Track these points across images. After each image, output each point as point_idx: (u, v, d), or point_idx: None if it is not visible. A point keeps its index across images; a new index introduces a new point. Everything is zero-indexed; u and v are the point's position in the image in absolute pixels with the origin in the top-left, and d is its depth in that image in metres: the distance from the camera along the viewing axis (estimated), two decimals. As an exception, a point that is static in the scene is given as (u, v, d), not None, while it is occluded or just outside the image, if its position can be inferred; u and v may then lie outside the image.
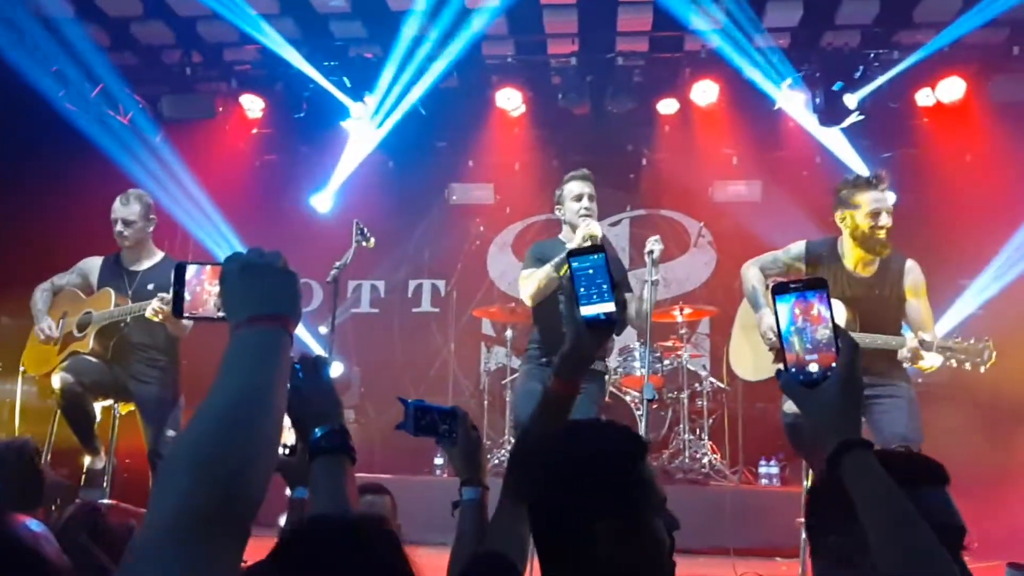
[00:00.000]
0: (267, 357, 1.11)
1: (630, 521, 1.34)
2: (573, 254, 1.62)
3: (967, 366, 3.69)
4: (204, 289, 1.44)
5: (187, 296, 1.43)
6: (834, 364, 1.29)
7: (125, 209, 4.64)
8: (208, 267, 1.44)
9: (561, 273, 3.98)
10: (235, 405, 1.03)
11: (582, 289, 1.59)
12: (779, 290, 1.34)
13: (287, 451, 2.22)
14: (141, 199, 4.70)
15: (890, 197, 3.92)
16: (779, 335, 1.33)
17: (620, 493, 1.35)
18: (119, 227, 4.63)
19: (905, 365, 3.84)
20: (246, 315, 1.15)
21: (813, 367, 1.31)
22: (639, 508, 1.36)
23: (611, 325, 1.60)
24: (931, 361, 3.73)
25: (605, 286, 1.58)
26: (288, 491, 2.40)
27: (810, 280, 1.35)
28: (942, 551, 1.17)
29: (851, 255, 3.98)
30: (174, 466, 0.97)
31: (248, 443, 1.01)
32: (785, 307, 1.33)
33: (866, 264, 3.97)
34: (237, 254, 1.24)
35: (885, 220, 3.83)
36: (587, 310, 1.59)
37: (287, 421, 2.20)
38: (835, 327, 1.31)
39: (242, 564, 0.99)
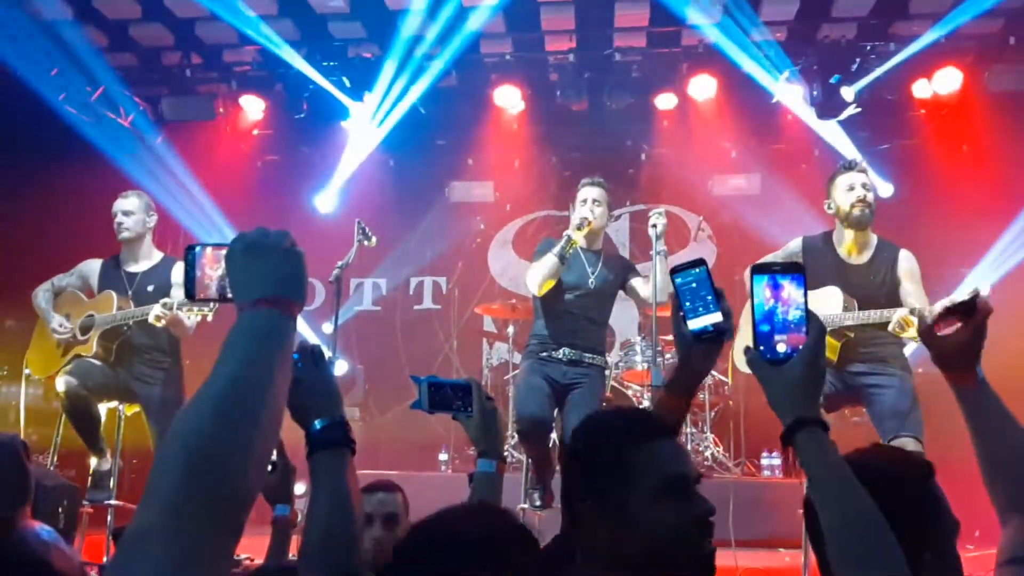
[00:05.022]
0: (266, 342, 1.07)
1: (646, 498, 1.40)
2: (676, 270, 1.61)
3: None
4: (206, 273, 1.41)
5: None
6: (801, 346, 1.31)
7: (125, 201, 4.70)
8: (210, 249, 1.41)
9: (568, 251, 4.26)
10: (230, 392, 0.99)
11: (687, 303, 1.58)
12: (757, 270, 1.36)
13: (268, 468, 2.22)
14: (140, 195, 4.78)
15: (862, 177, 4.08)
16: (752, 313, 1.34)
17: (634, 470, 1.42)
18: (119, 218, 4.67)
19: (904, 340, 3.94)
20: (250, 297, 1.11)
21: (781, 347, 1.33)
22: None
23: (720, 335, 1.59)
24: None
25: (710, 297, 1.57)
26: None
27: (787, 264, 1.37)
28: (890, 535, 1.19)
29: (844, 243, 4.12)
30: (166, 455, 0.93)
31: (243, 432, 0.96)
32: (760, 287, 1.35)
33: (860, 251, 4.10)
34: (242, 234, 1.21)
35: (860, 192, 4.01)
36: (695, 323, 1.58)
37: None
38: (807, 310, 1.33)
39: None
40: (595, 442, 1.49)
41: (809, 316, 1.33)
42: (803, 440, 1.26)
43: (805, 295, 1.34)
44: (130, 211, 4.68)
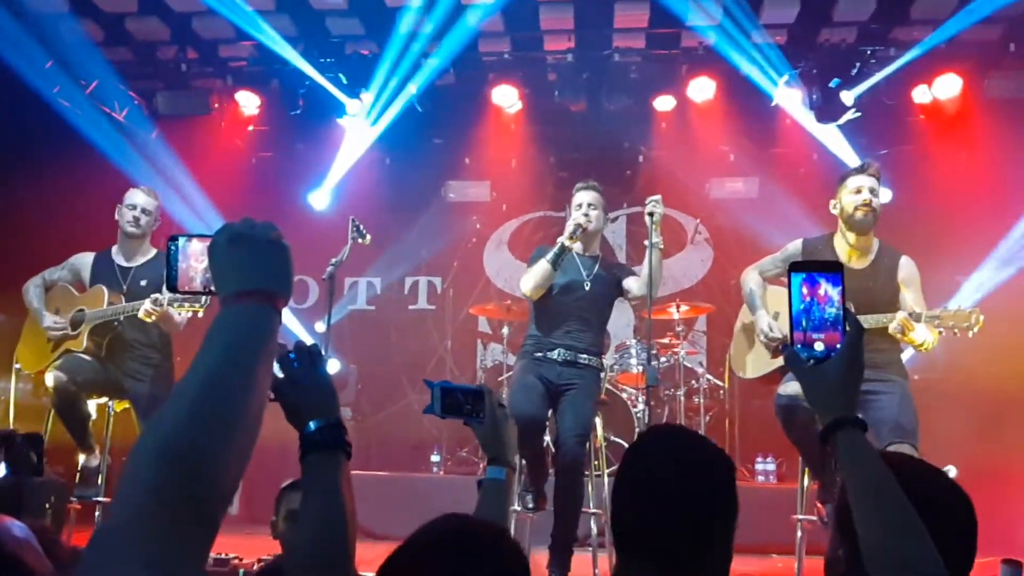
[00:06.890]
0: (248, 336, 1.04)
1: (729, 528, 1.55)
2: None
3: (956, 333, 3.76)
4: (191, 265, 1.37)
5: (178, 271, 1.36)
6: (839, 344, 1.34)
7: (147, 198, 4.76)
8: (195, 240, 1.36)
9: (562, 258, 4.27)
10: (209, 387, 0.96)
11: None
12: (795, 267, 1.38)
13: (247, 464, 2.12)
14: (158, 197, 4.85)
15: (872, 181, 4.03)
16: (790, 311, 1.37)
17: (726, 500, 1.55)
18: (136, 212, 4.70)
19: (901, 346, 3.94)
20: (232, 290, 1.08)
21: (819, 345, 1.35)
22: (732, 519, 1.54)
23: None
24: (922, 335, 3.78)
25: None
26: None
27: (826, 262, 1.39)
28: (925, 533, 1.20)
29: (845, 247, 4.09)
30: (141, 452, 0.90)
31: (221, 428, 0.93)
32: (798, 285, 1.37)
33: (860, 256, 4.07)
34: (227, 225, 1.16)
35: (866, 195, 3.98)
36: None
37: None
38: (845, 309, 1.36)
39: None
40: (717, 477, 1.57)
41: (846, 315, 1.35)
42: (842, 440, 1.29)
43: (842, 294, 1.36)
44: (149, 211, 4.75)
